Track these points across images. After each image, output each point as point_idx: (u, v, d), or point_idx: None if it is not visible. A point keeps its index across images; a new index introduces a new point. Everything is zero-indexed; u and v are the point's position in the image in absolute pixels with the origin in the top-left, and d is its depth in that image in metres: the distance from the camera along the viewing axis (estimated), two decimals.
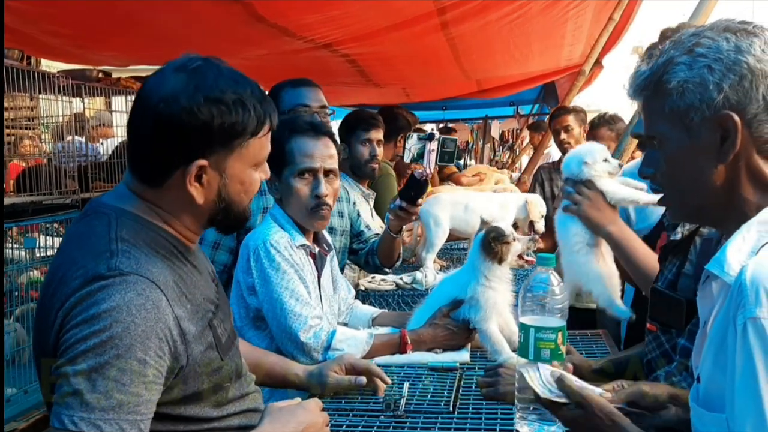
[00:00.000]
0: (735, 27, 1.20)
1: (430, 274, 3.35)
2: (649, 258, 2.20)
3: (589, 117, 5.01)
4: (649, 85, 1.25)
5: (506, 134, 11.88)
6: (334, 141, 2.45)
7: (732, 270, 1.13)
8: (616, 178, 2.41)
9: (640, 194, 2.33)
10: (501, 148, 11.76)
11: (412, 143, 2.85)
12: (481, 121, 10.60)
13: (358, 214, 3.20)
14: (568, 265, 2.52)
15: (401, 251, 3.16)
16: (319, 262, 2.40)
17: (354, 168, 3.61)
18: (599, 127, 4.46)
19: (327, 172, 2.37)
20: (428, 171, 2.79)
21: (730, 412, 1.09)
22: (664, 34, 2.16)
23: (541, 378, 1.50)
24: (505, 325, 2.28)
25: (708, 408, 1.16)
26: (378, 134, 3.64)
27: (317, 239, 2.45)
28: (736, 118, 1.16)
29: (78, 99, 4.31)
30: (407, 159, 2.89)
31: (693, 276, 1.80)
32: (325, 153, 2.37)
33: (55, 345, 1.29)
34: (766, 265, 1.09)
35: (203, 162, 1.36)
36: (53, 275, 1.36)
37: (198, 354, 1.38)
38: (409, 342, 2.29)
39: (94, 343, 1.23)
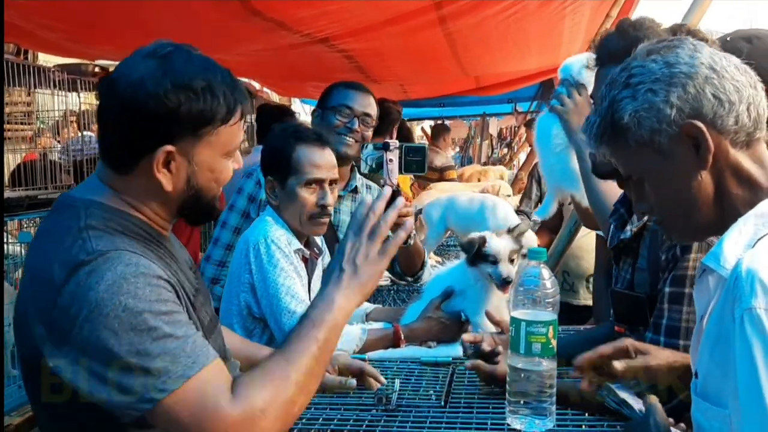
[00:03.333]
0: (656, 48, 1.23)
1: (425, 269, 3.34)
2: (606, 183, 2.20)
3: None
4: (606, 130, 1.27)
5: (504, 131, 11.88)
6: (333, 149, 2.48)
7: (728, 263, 1.14)
8: None
9: None
10: (499, 145, 11.76)
11: (368, 153, 2.76)
12: (479, 118, 10.60)
13: None
14: (548, 168, 2.55)
15: (425, 259, 3.10)
16: (310, 266, 2.42)
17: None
18: None
19: (331, 182, 2.41)
20: (390, 182, 2.69)
21: (734, 407, 1.08)
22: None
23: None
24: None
25: (709, 401, 1.16)
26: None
27: (308, 243, 2.47)
28: (699, 123, 1.18)
29: (74, 94, 4.29)
30: (364, 170, 2.81)
31: (647, 269, 1.82)
32: (330, 163, 2.41)
33: (58, 349, 1.25)
34: (761, 257, 1.09)
35: (170, 148, 1.35)
36: (29, 275, 1.35)
37: None
38: (402, 336, 2.29)
39: (118, 324, 1.22)
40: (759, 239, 1.13)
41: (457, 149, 12.37)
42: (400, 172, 2.76)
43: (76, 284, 1.24)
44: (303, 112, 9.06)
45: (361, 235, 1.46)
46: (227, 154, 1.44)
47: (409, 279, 3.13)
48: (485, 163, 9.61)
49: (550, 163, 2.49)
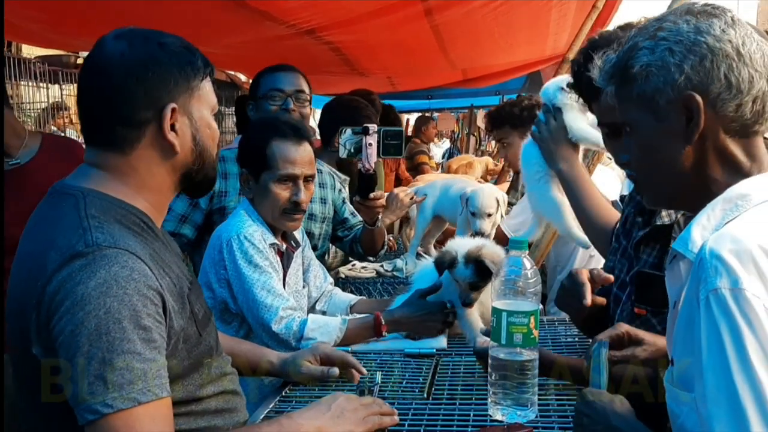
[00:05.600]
0: (696, 9, 1.21)
1: (411, 261, 3.34)
2: (594, 200, 2.23)
3: None
4: (617, 72, 1.27)
5: None
6: (311, 144, 2.44)
7: (696, 248, 1.13)
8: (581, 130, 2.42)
9: (592, 136, 2.33)
10: (486, 137, 11.75)
11: (347, 138, 2.80)
12: (466, 111, 10.59)
13: (344, 201, 3.18)
14: (530, 194, 2.61)
15: (386, 240, 3.14)
16: (285, 259, 2.40)
17: (342, 161, 3.56)
18: None
19: (306, 178, 2.38)
20: (368, 165, 2.74)
21: (699, 390, 1.07)
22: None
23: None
24: (486, 310, 2.27)
25: (680, 387, 1.16)
26: None
27: (285, 236, 2.45)
28: (698, 98, 1.16)
29: (55, 86, 4.25)
30: (342, 155, 2.83)
31: None
32: (306, 159, 2.38)
33: (38, 335, 1.26)
34: (725, 238, 1.09)
35: (174, 105, 1.39)
36: (24, 261, 1.33)
37: (179, 329, 1.37)
38: (383, 323, 2.28)
39: (95, 324, 1.21)
40: (726, 224, 1.13)
41: (447, 141, 12.36)
42: (378, 155, 2.81)
43: (67, 274, 1.24)
44: None
45: (362, 399, 1.60)
46: (212, 110, 1.49)
47: (371, 259, 3.18)
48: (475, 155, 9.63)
49: (532, 190, 2.51)
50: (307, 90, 2.93)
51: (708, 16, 1.19)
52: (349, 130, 2.81)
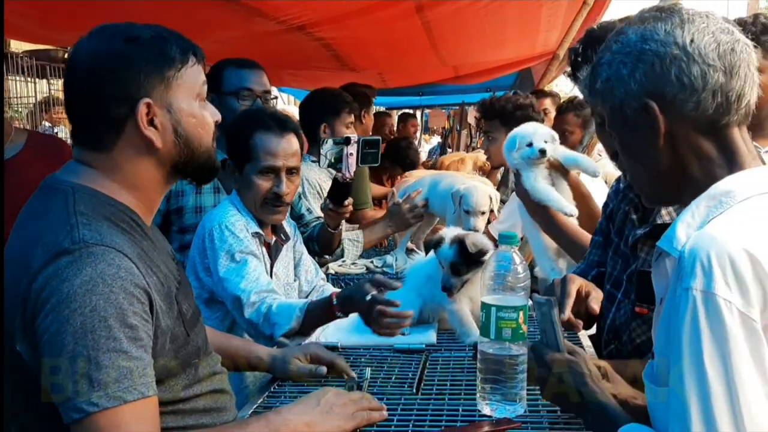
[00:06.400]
0: (648, 15, 1.23)
1: (401, 257, 3.34)
2: (575, 235, 2.47)
3: None
4: (590, 87, 1.32)
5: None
6: (299, 136, 2.45)
7: (680, 245, 1.14)
8: (572, 155, 2.58)
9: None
10: (478, 134, 11.73)
11: (328, 148, 2.87)
12: (457, 107, 10.57)
13: (299, 197, 3.17)
14: (527, 239, 2.72)
15: (342, 240, 3.15)
16: (273, 251, 2.40)
17: None
18: (566, 112, 4.43)
19: (289, 170, 2.38)
20: (348, 174, 2.81)
21: (670, 386, 1.10)
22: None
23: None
24: (476, 306, 2.26)
25: (657, 384, 1.17)
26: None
27: (274, 229, 2.45)
28: (652, 103, 1.19)
29: (43, 80, 4.22)
30: (323, 165, 2.92)
31: None
32: (289, 151, 2.38)
33: (23, 332, 1.25)
34: (706, 238, 1.10)
35: (147, 100, 1.36)
36: (11, 256, 1.32)
37: (166, 328, 1.36)
38: (335, 304, 2.17)
39: (81, 322, 1.20)
40: (710, 221, 1.14)
41: (438, 138, 12.35)
42: (357, 164, 2.91)
43: (53, 271, 1.23)
44: (281, 100, 9.00)
45: (351, 394, 1.60)
46: (198, 97, 1.45)
47: (327, 257, 3.20)
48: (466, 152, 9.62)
49: (527, 235, 2.72)
50: (270, 89, 2.95)
51: (655, 21, 1.21)
52: (330, 141, 2.89)
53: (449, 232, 2.27)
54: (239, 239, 2.28)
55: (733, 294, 1.04)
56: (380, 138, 3.13)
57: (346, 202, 2.84)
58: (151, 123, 1.38)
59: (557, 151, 2.58)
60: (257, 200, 2.36)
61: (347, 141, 2.87)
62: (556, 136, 2.61)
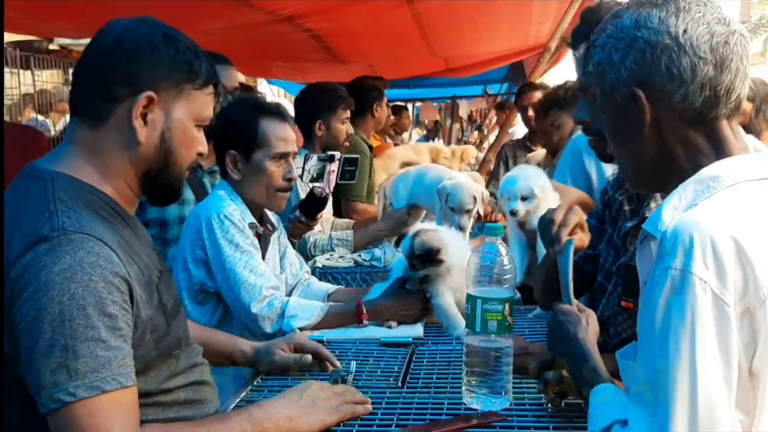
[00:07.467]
0: (645, 0, 1.21)
1: (389, 251, 3.31)
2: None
3: None
4: (583, 68, 1.30)
5: (474, 114, 11.85)
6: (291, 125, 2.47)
7: (665, 227, 1.14)
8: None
9: None
10: (469, 128, 11.73)
11: (312, 164, 2.97)
12: (449, 101, 10.56)
13: None
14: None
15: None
16: (263, 242, 2.38)
17: (330, 146, 3.54)
18: (548, 111, 4.29)
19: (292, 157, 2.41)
20: (327, 190, 2.87)
21: (637, 359, 1.13)
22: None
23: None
24: (462, 298, 2.24)
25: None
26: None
27: (262, 219, 2.42)
28: (639, 92, 1.18)
29: (27, 72, 4.17)
30: (305, 180, 2.96)
31: None
32: (293, 137, 2.41)
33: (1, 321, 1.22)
34: (689, 220, 1.10)
35: (152, 94, 1.35)
36: None
37: (147, 319, 1.34)
38: (365, 311, 2.27)
39: (59, 310, 1.18)
40: (696, 205, 1.13)
41: (424, 132, 12.25)
42: (336, 180, 3.06)
43: (32, 259, 1.20)
44: (270, 92, 8.95)
45: (335, 387, 1.60)
46: (198, 124, 1.44)
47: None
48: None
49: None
50: (238, 86, 2.95)
51: (651, 7, 1.19)
52: (315, 157, 3.01)
53: (418, 227, 2.29)
54: (240, 230, 2.26)
55: (710, 275, 1.05)
56: (359, 156, 3.27)
57: (318, 216, 2.86)
58: (144, 117, 1.36)
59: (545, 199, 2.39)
60: (271, 187, 2.34)
61: (331, 158, 2.99)
62: (546, 185, 2.43)
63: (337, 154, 3.02)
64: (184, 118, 1.41)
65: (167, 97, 1.38)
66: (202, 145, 1.48)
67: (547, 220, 1.71)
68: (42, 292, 1.18)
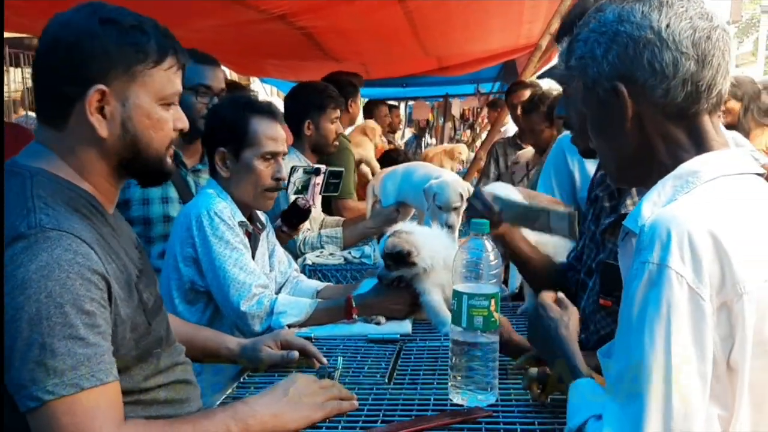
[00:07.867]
0: None
1: (379, 248, 3.31)
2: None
3: None
4: (567, 64, 1.31)
5: (467, 112, 11.84)
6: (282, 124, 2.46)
7: (643, 222, 1.13)
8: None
9: None
10: (461, 126, 11.73)
11: (297, 177, 3.00)
12: (441, 99, 10.56)
13: None
14: None
15: None
16: (252, 241, 2.37)
17: (319, 146, 3.55)
18: (530, 112, 4.26)
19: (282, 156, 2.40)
20: (311, 202, 2.91)
21: (614, 353, 1.13)
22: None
23: None
24: (449, 295, 2.25)
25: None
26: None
27: (251, 218, 2.42)
28: (621, 87, 1.19)
29: (17, 69, 4.15)
30: (290, 192, 2.98)
31: None
32: (283, 137, 2.39)
33: None
34: (667, 215, 1.10)
35: (102, 87, 1.31)
36: None
37: (126, 317, 1.33)
38: (354, 306, 2.27)
39: (36, 308, 1.17)
40: (675, 200, 1.14)
41: (412, 131, 12.17)
42: (320, 193, 3.12)
43: (9, 257, 1.20)
44: (263, 91, 8.94)
45: (321, 382, 1.60)
46: (163, 102, 1.39)
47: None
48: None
49: None
50: (225, 87, 2.92)
51: (634, 2, 1.20)
52: (301, 170, 3.03)
53: (396, 228, 2.30)
54: (230, 227, 2.25)
55: (686, 269, 1.05)
56: (343, 170, 3.31)
57: (300, 227, 2.87)
58: (101, 111, 1.33)
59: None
60: (259, 186, 2.33)
61: (317, 172, 3.03)
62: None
63: (323, 167, 3.06)
64: (144, 102, 1.36)
65: (120, 85, 1.33)
66: (180, 121, 1.44)
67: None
68: (19, 291, 1.18)
